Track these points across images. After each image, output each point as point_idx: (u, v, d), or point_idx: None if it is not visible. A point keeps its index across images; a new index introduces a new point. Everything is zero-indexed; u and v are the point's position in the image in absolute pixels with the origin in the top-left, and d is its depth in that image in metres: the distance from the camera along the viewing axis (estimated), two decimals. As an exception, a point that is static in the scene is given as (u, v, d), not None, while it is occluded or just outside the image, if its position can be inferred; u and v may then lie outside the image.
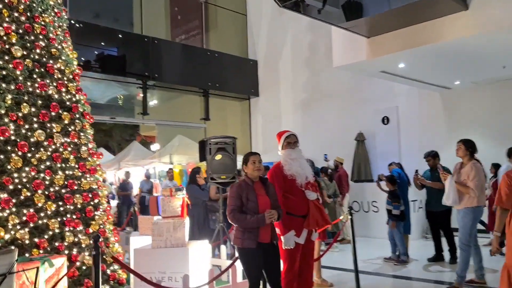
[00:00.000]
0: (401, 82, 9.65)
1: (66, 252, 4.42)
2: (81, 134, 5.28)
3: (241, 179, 3.93)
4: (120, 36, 12.37)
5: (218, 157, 6.20)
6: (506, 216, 3.87)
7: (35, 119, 4.50)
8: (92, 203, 5.12)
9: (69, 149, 4.94)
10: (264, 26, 15.08)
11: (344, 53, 7.80)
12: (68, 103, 5.09)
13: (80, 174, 5.03)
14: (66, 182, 4.71)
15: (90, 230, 4.92)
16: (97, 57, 12.24)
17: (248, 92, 15.23)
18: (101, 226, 5.24)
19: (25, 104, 4.40)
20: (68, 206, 4.60)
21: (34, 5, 4.96)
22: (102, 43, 12.29)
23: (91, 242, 4.55)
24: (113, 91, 17.06)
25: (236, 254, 3.81)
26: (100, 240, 4.12)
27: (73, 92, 5.28)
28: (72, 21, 10.87)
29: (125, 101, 18.62)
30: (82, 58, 11.84)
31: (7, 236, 3.94)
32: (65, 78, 5.15)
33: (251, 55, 15.44)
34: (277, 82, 14.60)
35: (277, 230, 4.03)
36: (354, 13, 7.01)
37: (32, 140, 4.42)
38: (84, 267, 4.62)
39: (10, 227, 3.98)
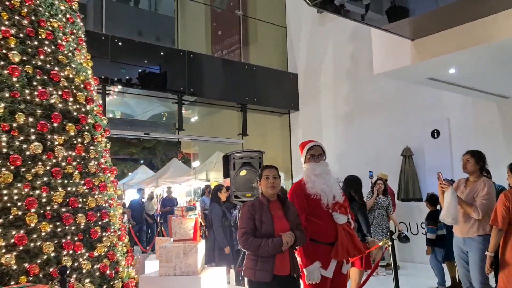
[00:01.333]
0: (451, 90, 8.70)
1: (62, 279, 3.92)
2: (91, 147, 4.86)
3: (255, 199, 3.31)
4: (159, 52, 12.18)
5: (243, 173, 5.61)
6: (501, 236, 3.84)
7: (32, 130, 4.10)
8: (100, 223, 4.65)
9: (74, 163, 4.50)
10: (304, 38, 14.52)
11: (386, 58, 7.03)
12: (75, 113, 4.69)
13: (86, 191, 4.58)
14: (68, 200, 4.26)
15: (95, 254, 4.43)
16: (137, 74, 12.08)
17: (288, 106, 14.63)
18: (111, 249, 4.76)
19: (20, 113, 4.00)
20: (67, 227, 4.12)
21: (41, 9, 4.63)
22: (143, 60, 12.11)
23: (58, 274, 4.06)
24: (155, 108, 17.01)
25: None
26: (69, 272, 3.61)
27: (83, 102, 4.88)
28: (116, 40, 10.91)
29: (168, 117, 18.50)
30: (127, 77, 11.79)
31: (-10, 261, 3.49)
32: (73, 87, 4.76)
33: (291, 68, 14.89)
34: (317, 95, 13.92)
35: (299, 260, 3.35)
36: (398, 15, 6.28)
37: (27, 153, 4.00)
38: (84, 296, 4.12)
39: (-6, 251, 3.54)
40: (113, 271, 4.62)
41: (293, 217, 3.24)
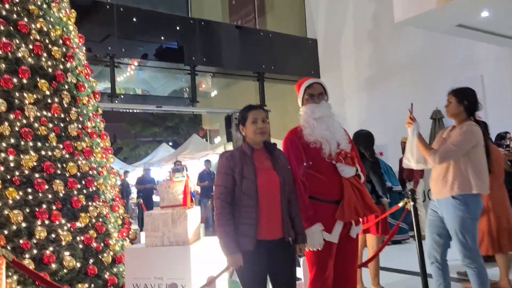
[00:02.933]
0: (485, 40, 7.78)
1: (35, 251, 3.48)
2: (73, 109, 4.36)
3: (235, 148, 2.71)
4: (172, 21, 11.57)
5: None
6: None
7: (-6, 87, 3.61)
8: (84, 191, 4.18)
9: (50, 125, 4.02)
10: (323, 1, 13.63)
11: (408, 3, 6.22)
12: (50, 70, 4.18)
13: (66, 156, 4.11)
14: (42, 165, 3.79)
15: (78, 225, 3.97)
16: (148, 46, 11.56)
17: (308, 74, 13.83)
18: (99, 220, 4.29)
19: (-24, 67, 3.51)
20: (40, 194, 3.66)
21: (6, -46, 4.10)
22: (154, 31, 11.53)
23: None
24: (173, 82, 16.51)
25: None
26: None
27: (60, 59, 4.37)
28: (122, 9, 10.38)
29: (186, 91, 17.94)
30: (139, 48, 11.30)
31: None
32: (47, 41, 4.25)
33: (310, 33, 14.07)
34: (338, 61, 13.11)
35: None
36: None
37: (-12, 112, 3.53)
38: (66, 270, 3.67)
39: None
40: (101, 244, 4.16)
41: (284, 170, 2.64)
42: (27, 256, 3.39)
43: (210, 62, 11.99)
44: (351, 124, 12.43)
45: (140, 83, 17.05)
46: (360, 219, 2.93)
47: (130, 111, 11.59)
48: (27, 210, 3.54)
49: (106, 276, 4.08)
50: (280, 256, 2.53)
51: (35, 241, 3.50)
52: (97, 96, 5.18)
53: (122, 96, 10.49)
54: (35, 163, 3.71)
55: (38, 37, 4.14)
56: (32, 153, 3.72)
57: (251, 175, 2.49)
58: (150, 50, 11.45)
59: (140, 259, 3.67)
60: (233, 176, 2.49)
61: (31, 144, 3.74)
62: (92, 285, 3.90)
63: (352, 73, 12.71)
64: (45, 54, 4.18)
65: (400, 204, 3.73)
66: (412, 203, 3.63)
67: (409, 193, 3.68)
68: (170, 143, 25.57)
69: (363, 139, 4.32)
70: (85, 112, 4.65)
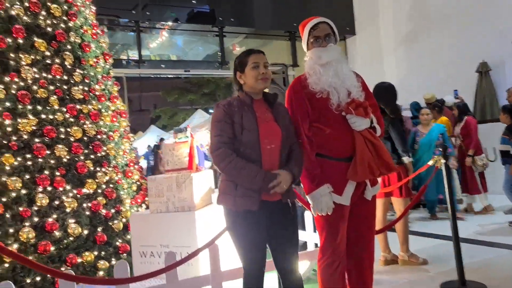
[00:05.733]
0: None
1: (36, 219, 3.33)
2: (77, 70, 4.14)
3: (231, 97, 2.37)
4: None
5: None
6: None
7: (-14, 47, 3.41)
8: (92, 156, 4.00)
9: (51, 87, 3.81)
10: None
11: None
12: (49, 29, 3.94)
13: (72, 119, 3.91)
14: (42, 129, 3.60)
15: (85, 191, 3.80)
16: (181, 10, 11.23)
17: (343, 31, 13.07)
18: (109, 186, 4.12)
19: (-35, 26, 3.30)
20: (40, 159, 3.48)
21: None
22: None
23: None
24: (207, 46, 16.17)
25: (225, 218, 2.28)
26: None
27: (61, 17, 4.12)
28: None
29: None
30: (173, 14, 11.01)
31: None
32: (45, -1, 4.00)
33: (344, -14, 13.24)
34: (375, 15, 12.28)
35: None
36: None
37: (-19, 74, 3.34)
38: (72, 238, 3.53)
39: None
40: (111, 210, 4.00)
41: (286, 123, 2.29)
42: (27, 224, 3.26)
43: (239, 23, 11.53)
44: (390, 81, 11.75)
45: (173, 49, 16.85)
46: (378, 179, 2.55)
47: (160, 75, 11.43)
48: (27, 176, 3.39)
49: (117, 243, 3.93)
50: (279, 220, 2.21)
51: (36, 208, 3.35)
52: (107, 58, 4.94)
53: (145, 63, 10.26)
54: (34, 127, 3.53)
55: (34, -6, 3.89)
56: (30, 116, 3.54)
57: (252, 125, 2.16)
58: (178, 13, 11.12)
59: (145, 226, 3.47)
60: (232, 126, 2.16)
61: (29, 107, 3.55)
62: (102, 253, 3.76)
63: (390, 27, 11.89)
64: (43, 12, 3.94)
65: (430, 163, 3.28)
66: (443, 161, 3.17)
67: (440, 149, 3.22)
68: (210, 109, 25.49)
69: (384, 93, 3.84)
70: (92, 74, 4.43)
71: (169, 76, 12.96)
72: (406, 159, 3.71)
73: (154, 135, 21.04)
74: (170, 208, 3.40)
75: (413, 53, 11.12)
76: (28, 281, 3.14)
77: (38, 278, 3.20)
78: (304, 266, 3.54)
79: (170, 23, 10.70)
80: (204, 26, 11.52)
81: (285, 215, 2.23)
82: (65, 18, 4.18)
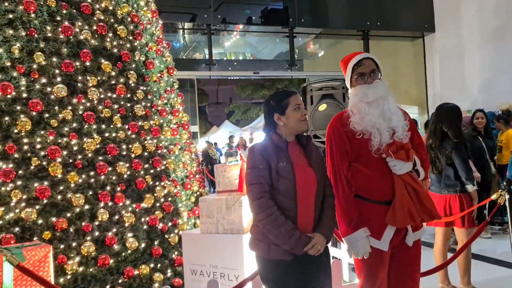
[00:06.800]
0: None
1: (97, 233, 3.57)
2: (140, 88, 4.34)
3: (264, 140, 2.32)
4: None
5: (322, 107, 4.57)
6: None
7: (57, 71, 3.67)
8: (151, 171, 4.19)
9: (115, 106, 4.04)
10: None
11: None
12: (115, 50, 4.17)
13: (133, 136, 4.12)
14: (106, 147, 3.83)
15: (143, 205, 3.99)
16: (253, 10, 11.36)
17: (421, 28, 12.46)
18: (168, 199, 4.30)
19: (39, 53, 3.58)
20: (102, 177, 3.71)
21: None
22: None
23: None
24: (280, 45, 16.26)
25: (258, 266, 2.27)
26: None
27: (127, 37, 4.34)
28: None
29: (299, 55, 17.55)
30: (248, 10, 11.20)
31: (9, 216, 3.23)
32: (112, 21, 4.22)
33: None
34: (457, 10, 11.51)
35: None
36: None
37: (52, 97, 3.61)
38: (129, 251, 3.74)
39: (13, 204, 3.27)
40: (168, 224, 4.17)
41: (319, 166, 2.22)
42: (88, 238, 3.49)
43: (312, 21, 11.39)
44: (471, 84, 10.97)
45: (247, 46, 17.08)
46: (426, 223, 2.41)
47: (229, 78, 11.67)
48: (90, 192, 3.63)
49: (173, 256, 4.09)
50: (314, 268, 2.16)
51: (97, 223, 3.58)
52: (172, 71, 5.12)
53: (216, 65, 10.53)
54: (98, 146, 3.76)
55: (102, 17, 4.12)
56: (95, 135, 3.78)
57: (289, 173, 2.11)
58: (252, 10, 11.21)
59: (196, 245, 3.57)
60: (270, 172, 2.13)
61: (94, 126, 3.79)
62: (158, 265, 3.94)
63: (473, 23, 11.08)
64: (110, 34, 4.17)
65: (493, 197, 3.03)
66: (508, 197, 2.92)
67: (505, 184, 2.96)
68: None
69: (447, 115, 3.59)
70: (155, 89, 4.62)
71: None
72: (470, 188, 3.46)
73: (227, 131, 21.54)
74: (219, 230, 3.47)
75: (499, 53, 10.29)
76: (88, 292, 3.38)
77: (97, 290, 3.43)
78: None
79: (241, 26, 10.83)
80: (274, 28, 11.53)
81: (320, 262, 2.17)
82: (130, 38, 4.40)
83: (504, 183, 2.99)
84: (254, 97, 26.69)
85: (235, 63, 14.61)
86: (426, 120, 10.07)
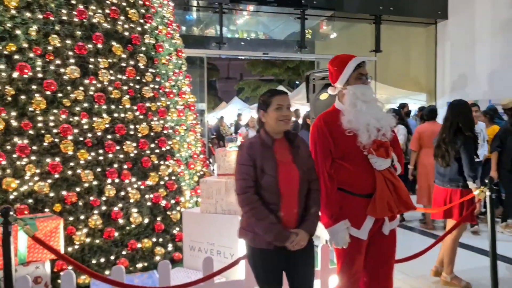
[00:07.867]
0: None
1: (104, 208, 3.82)
2: (149, 70, 4.52)
3: (254, 136, 2.51)
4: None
5: (324, 96, 4.71)
6: None
7: (70, 53, 3.86)
8: (157, 151, 4.41)
9: (124, 88, 4.23)
10: None
11: None
12: (126, 33, 4.33)
13: (141, 117, 4.32)
14: (114, 127, 4.05)
15: (148, 183, 4.23)
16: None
17: (434, 15, 12.35)
18: (173, 178, 4.53)
19: (54, 35, 3.76)
20: (110, 155, 3.94)
21: None
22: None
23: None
24: (292, 24, 16.18)
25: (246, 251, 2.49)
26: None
27: (138, 21, 4.49)
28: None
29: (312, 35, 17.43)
30: None
31: (24, 188, 3.48)
32: (124, 4, 4.38)
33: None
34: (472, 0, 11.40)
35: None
36: None
37: (65, 77, 3.81)
38: (133, 226, 3.99)
39: (27, 177, 3.51)
40: (171, 201, 4.41)
41: (304, 162, 2.41)
42: (95, 212, 3.75)
43: (323, 4, 11.37)
44: (480, 74, 10.96)
45: (259, 25, 17.00)
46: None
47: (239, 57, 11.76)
48: (98, 169, 3.86)
49: (174, 231, 4.35)
50: (297, 258, 2.37)
51: (104, 198, 3.83)
52: (180, 53, 5.28)
53: (226, 44, 10.59)
54: (107, 125, 3.98)
55: (114, 1, 4.27)
56: (104, 115, 3.99)
57: (272, 170, 2.30)
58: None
59: (195, 223, 3.82)
60: (255, 169, 2.32)
61: (104, 107, 4.00)
62: (160, 240, 4.19)
63: (487, 13, 10.98)
64: (122, 17, 4.33)
65: (476, 193, 3.20)
66: (488, 193, 3.09)
67: (487, 181, 3.12)
68: (297, 82, 25.46)
69: (462, 110, 3.75)
70: (163, 72, 4.80)
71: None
72: (470, 185, 3.58)
73: (236, 107, 21.66)
74: (218, 210, 3.71)
75: (510, 44, 10.24)
76: (94, 261, 3.65)
77: (102, 260, 3.70)
78: None
79: (251, 7, 10.85)
80: (287, 9, 11.52)
81: (304, 251, 2.37)
82: (141, 21, 4.55)
83: (486, 181, 3.15)
84: (265, 75, 26.73)
85: (244, 43, 14.63)
86: (421, 105, 10.12)
